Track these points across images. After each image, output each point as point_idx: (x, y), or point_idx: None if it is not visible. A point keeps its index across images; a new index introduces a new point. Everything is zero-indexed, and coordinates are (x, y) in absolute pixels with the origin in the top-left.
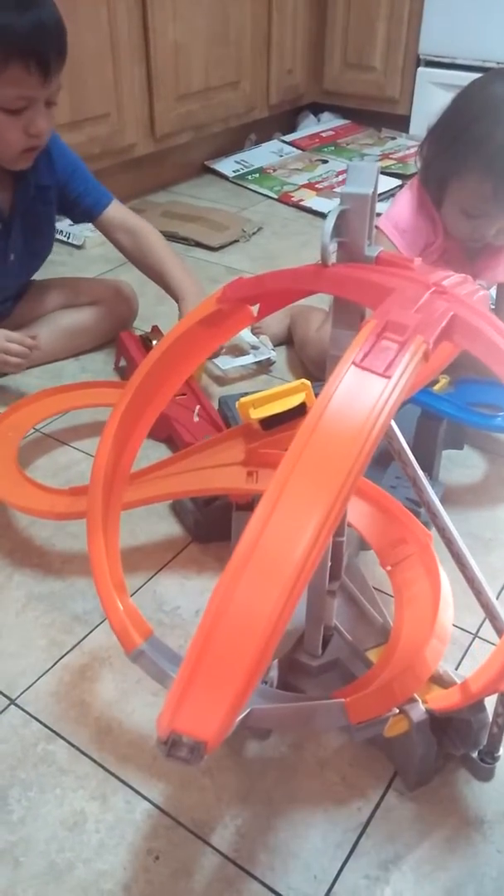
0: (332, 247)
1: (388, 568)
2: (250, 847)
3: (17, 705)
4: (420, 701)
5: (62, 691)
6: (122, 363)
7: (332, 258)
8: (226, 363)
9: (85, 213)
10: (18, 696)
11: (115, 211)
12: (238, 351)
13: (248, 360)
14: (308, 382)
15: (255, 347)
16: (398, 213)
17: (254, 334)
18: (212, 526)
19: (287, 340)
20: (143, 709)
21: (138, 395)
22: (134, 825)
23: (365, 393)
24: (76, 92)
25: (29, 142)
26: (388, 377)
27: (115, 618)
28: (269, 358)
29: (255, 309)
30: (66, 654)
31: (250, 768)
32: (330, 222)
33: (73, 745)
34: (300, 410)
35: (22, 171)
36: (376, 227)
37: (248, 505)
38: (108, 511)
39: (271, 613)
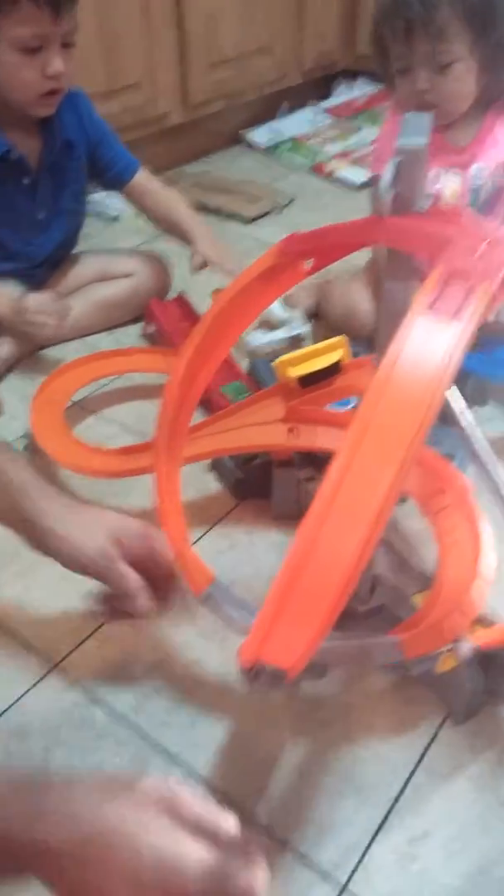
0: (389, 199)
1: (430, 517)
2: (284, 817)
3: (59, 669)
4: (467, 639)
5: (102, 656)
6: (150, 330)
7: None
8: (257, 339)
9: (116, 178)
10: (60, 661)
11: (143, 177)
12: (269, 326)
13: (280, 335)
14: (345, 339)
15: (285, 322)
16: (379, 149)
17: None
18: (252, 484)
19: (315, 314)
20: (182, 676)
21: (199, 351)
22: None
23: (436, 337)
24: (110, 61)
25: (47, 84)
26: (459, 320)
27: (183, 562)
28: (300, 333)
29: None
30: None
31: (283, 741)
32: (388, 174)
33: (112, 710)
34: (337, 367)
35: (48, 125)
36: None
37: (289, 461)
38: (172, 463)
39: (353, 553)
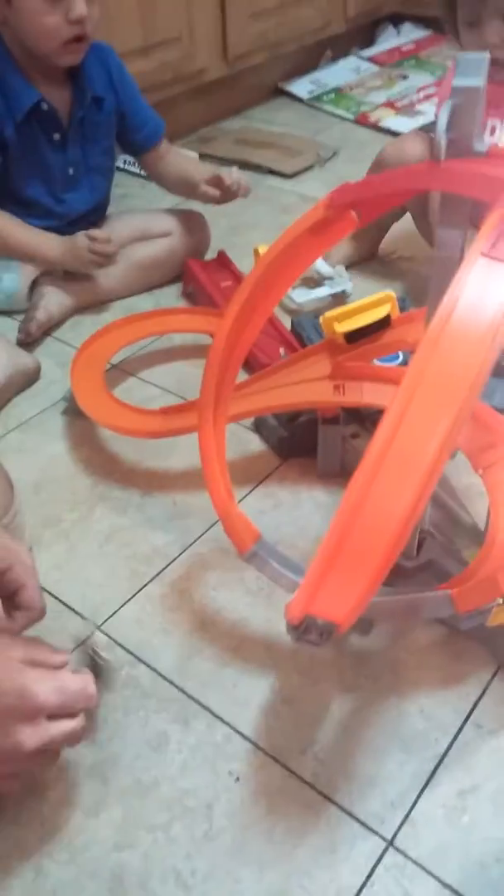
0: (444, 143)
1: (480, 471)
2: (328, 772)
3: (101, 631)
4: None
5: (144, 619)
6: (189, 290)
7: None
8: (301, 295)
9: (144, 141)
10: (103, 623)
11: (165, 143)
12: (313, 282)
13: (324, 291)
14: (392, 294)
15: (329, 278)
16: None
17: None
18: (296, 442)
19: (355, 261)
20: (222, 638)
21: (245, 307)
22: (215, 747)
23: (495, 283)
24: (147, 15)
25: (72, 29)
26: None
27: (228, 522)
28: (345, 290)
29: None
30: (146, 585)
31: (325, 696)
32: (444, 117)
33: (155, 671)
34: (385, 322)
35: (77, 79)
36: None
37: (335, 418)
38: (217, 422)
39: (406, 507)
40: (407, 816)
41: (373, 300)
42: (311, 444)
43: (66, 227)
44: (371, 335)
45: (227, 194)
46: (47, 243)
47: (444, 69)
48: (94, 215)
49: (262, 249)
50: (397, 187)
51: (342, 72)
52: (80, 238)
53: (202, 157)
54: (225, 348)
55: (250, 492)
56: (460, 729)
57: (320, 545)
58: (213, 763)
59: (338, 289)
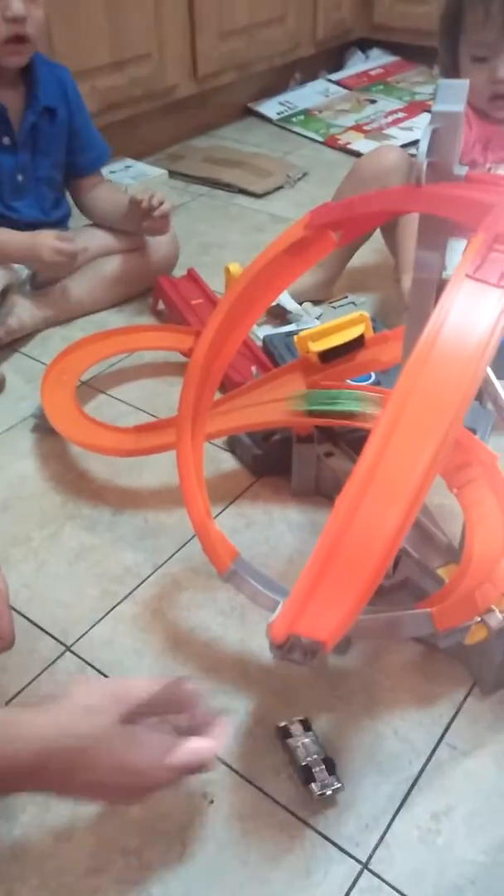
0: (424, 167)
1: (455, 490)
2: (303, 795)
3: (72, 652)
4: (497, 610)
5: (115, 640)
6: (160, 307)
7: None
8: (267, 333)
9: (89, 164)
10: (74, 644)
11: (101, 174)
12: (279, 319)
13: (290, 328)
14: (366, 315)
15: (296, 315)
16: None
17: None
18: (270, 460)
19: (320, 297)
20: (195, 658)
21: (224, 325)
22: None
23: (480, 303)
24: (117, 31)
25: (10, 28)
26: (502, 287)
27: (206, 540)
28: (311, 327)
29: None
30: (118, 604)
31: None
32: (424, 142)
33: None
34: (359, 342)
35: (31, 89)
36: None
37: (309, 437)
38: (195, 438)
39: (392, 527)
40: (382, 839)
41: (347, 320)
42: (284, 463)
43: None
44: (345, 355)
45: (148, 217)
46: (12, 239)
47: (412, 94)
48: (56, 227)
49: (234, 268)
50: (378, 208)
51: (311, 94)
52: (44, 234)
53: (172, 174)
54: (203, 366)
55: (223, 510)
56: (434, 750)
57: (306, 564)
58: (187, 785)
59: (305, 326)
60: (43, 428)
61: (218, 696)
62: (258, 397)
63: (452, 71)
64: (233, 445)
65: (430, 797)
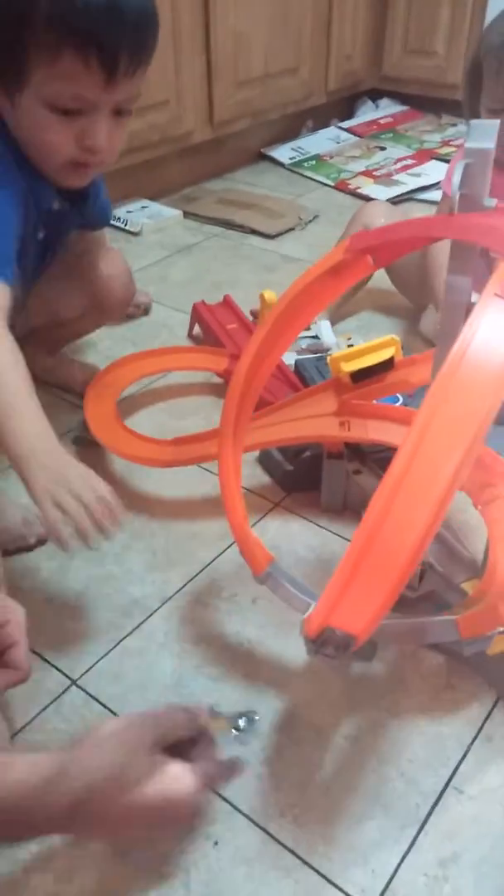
0: (457, 198)
1: (480, 508)
2: (309, 837)
3: (78, 686)
4: None
5: (122, 673)
6: (196, 331)
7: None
8: (294, 358)
9: (94, 222)
10: (80, 677)
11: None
12: (321, 349)
13: (319, 354)
14: (397, 339)
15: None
16: (451, 172)
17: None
18: (300, 476)
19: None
20: (202, 694)
21: (265, 342)
22: None
23: None
24: None
25: (80, 155)
26: None
27: (244, 543)
28: (330, 349)
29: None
30: (125, 637)
31: (306, 760)
32: (458, 175)
33: None
34: (389, 364)
35: (73, 201)
36: (442, 192)
37: (340, 454)
38: (236, 449)
39: (422, 527)
40: (388, 885)
41: (378, 343)
42: (314, 479)
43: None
44: (375, 376)
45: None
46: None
47: (420, 142)
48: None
49: (269, 295)
50: (412, 234)
51: (322, 140)
52: (75, 477)
53: (186, 215)
54: (245, 379)
55: (254, 524)
56: (441, 794)
57: (339, 563)
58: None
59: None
60: (84, 441)
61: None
62: (292, 413)
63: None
64: (264, 461)
65: (438, 843)
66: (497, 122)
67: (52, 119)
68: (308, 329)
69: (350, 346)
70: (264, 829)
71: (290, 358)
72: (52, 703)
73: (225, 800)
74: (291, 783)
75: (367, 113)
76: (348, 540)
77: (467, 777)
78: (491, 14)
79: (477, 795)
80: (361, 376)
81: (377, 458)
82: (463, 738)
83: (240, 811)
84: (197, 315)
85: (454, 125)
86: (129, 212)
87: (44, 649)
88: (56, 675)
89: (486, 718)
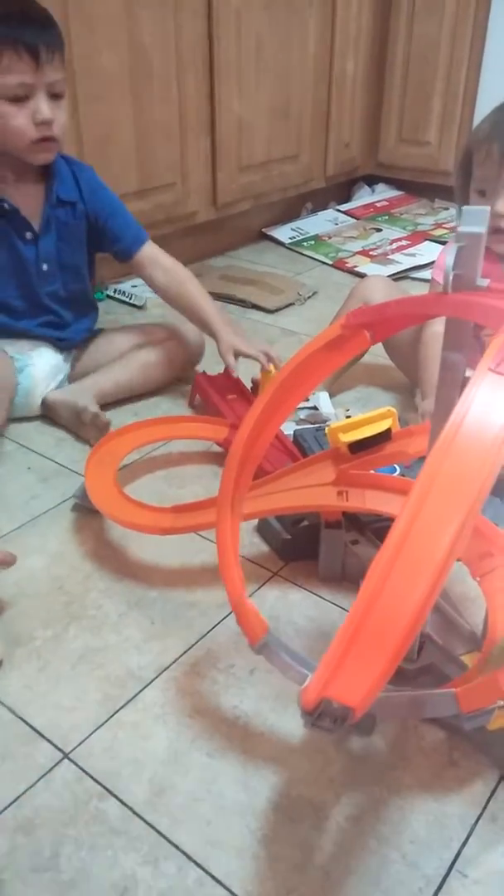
0: (451, 278)
1: (478, 578)
2: None
3: (70, 759)
4: None
5: (116, 747)
6: (197, 401)
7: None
8: (293, 428)
9: (124, 251)
10: (72, 751)
11: (151, 249)
12: (320, 420)
13: (318, 424)
14: (394, 410)
15: (330, 417)
16: (441, 260)
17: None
18: (299, 545)
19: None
20: (197, 770)
21: (264, 412)
22: (186, 893)
23: (501, 394)
24: (145, 162)
25: (39, 131)
26: None
27: (241, 613)
28: (328, 420)
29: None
30: (120, 709)
31: (304, 841)
32: (451, 257)
33: (125, 805)
34: (386, 435)
35: (48, 183)
36: (432, 278)
37: (338, 523)
38: (234, 518)
39: (420, 597)
40: None
41: (376, 414)
42: (312, 548)
43: (57, 335)
44: (373, 446)
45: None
46: None
47: (415, 225)
48: (86, 333)
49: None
50: (408, 312)
51: (321, 222)
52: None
53: None
54: (244, 448)
55: (252, 594)
56: (444, 878)
57: (336, 634)
58: None
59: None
60: (84, 507)
61: (219, 812)
62: (291, 483)
63: (464, 204)
64: (262, 530)
65: None
66: (488, 208)
67: (11, 109)
68: (307, 400)
69: (348, 417)
70: None
71: (289, 428)
72: (41, 777)
73: (220, 883)
74: (289, 865)
75: (364, 197)
76: (347, 610)
77: (471, 859)
78: (481, 105)
79: (482, 879)
80: (359, 447)
81: (375, 527)
82: (466, 818)
83: (235, 895)
84: (198, 386)
85: (446, 209)
86: (133, 286)
87: (36, 720)
88: (47, 748)
89: (490, 797)
